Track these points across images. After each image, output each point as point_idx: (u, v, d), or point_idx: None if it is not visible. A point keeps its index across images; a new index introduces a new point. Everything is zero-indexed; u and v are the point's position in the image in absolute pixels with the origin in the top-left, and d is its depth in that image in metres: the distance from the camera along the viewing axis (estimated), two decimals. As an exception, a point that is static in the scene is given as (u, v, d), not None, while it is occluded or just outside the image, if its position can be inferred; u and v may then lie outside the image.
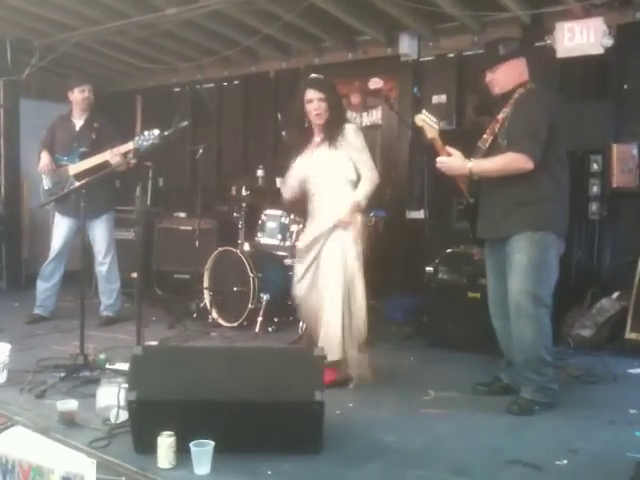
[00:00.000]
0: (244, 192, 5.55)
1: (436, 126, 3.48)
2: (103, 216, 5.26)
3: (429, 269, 4.86)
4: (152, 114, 7.36)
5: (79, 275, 4.18)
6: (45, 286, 5.33)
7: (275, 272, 5.27)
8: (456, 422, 3.22)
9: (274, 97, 6.85)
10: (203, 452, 2.54)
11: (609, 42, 4.67)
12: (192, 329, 5.19)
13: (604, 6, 4.74)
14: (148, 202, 7.21)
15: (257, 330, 5.05)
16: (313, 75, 3.99)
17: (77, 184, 4.66)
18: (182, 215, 6.78)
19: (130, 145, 4.80)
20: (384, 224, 5.23)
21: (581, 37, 4.74)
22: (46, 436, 2.75)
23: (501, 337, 3.59)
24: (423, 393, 3.64)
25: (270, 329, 5.12)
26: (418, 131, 3.62)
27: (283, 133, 5.23)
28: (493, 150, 3.41)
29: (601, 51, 4.71)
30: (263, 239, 5.24)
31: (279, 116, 5.58)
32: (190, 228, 6.27)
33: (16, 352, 3.83)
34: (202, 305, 5.49)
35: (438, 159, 3.47)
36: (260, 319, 5.09)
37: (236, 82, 7.26)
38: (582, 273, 5.08)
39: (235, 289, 5.29)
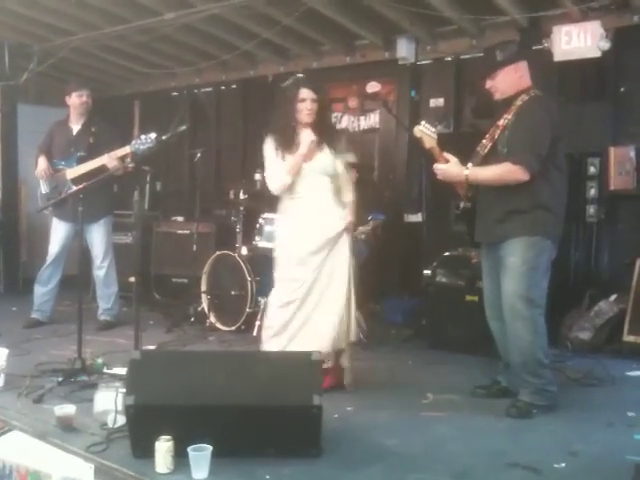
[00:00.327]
0: (242, 196, 5.54)
1: (435, 136, 3.45)
2: (101, 220, 5.25)
3: (427, 272, 4.88)
4: (151, 118, 7.35)
5: (77, 279, 4.18)
6: (43, 290, 5.32)
7: (273, 276, 5.25)
8: (455, 425, 3.21)
9: (272, 101, 6.84)
10: (201, 457, 2.53)
11: (606, 45, 4.67)
12: (190, 333, 5.19)
13: (602, 9, 4.75)
14: (146, 206, 7.22)
15: (255, 334, 5.04)
16: (302, 75, 3.99)
17: (75, 188, 4.65)
18: (180, 219, 6.77)
19: (127, 149, 4.79)
20: (382, 227, 5.23)
21: (578, 40, 4.74)
22: (44, 441, 2.75)
23: (498, 339, 3.59)
24: (422, 396, 3.64)
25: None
26: (416, 142, 3.61)
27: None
28: (491, 157, 3.40)
29: (598, 54, 4.71)
30: (261, 243, 5.24)
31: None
32: (188, 232, 6.27)
33: (14, 356, 3.81)
34: (200, 309, 5.49)
35: (435, 166, 3.46)
36: (258, 323, 5.06)
37: (234, 86, 7.28)
38: (580, 275, 5.10)
39: (233, 293, 5.28)
